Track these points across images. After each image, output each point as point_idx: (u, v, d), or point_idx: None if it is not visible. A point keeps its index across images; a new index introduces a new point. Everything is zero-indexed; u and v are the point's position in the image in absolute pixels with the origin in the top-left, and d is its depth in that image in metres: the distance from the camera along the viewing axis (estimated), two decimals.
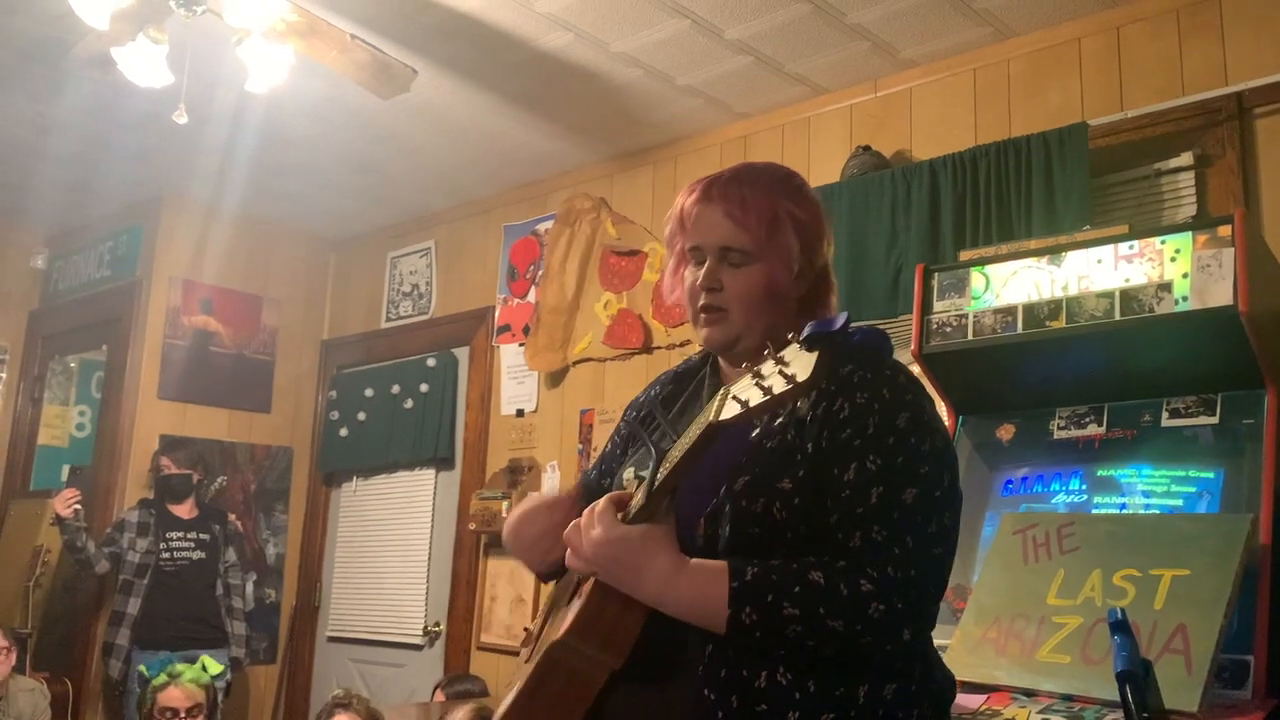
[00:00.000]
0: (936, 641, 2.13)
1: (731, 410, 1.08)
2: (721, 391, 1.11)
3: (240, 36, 2.85)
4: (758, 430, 1.23)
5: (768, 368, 1.06)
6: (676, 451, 1.17)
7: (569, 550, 1.29)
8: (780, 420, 1.27)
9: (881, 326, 3.39)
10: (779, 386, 1.04)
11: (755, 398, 1.06)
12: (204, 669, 3.47)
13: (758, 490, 1.27)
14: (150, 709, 3.33)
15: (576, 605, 1.26)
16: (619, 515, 1.25)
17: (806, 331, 1.05)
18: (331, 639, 5.13)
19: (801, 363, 1.03)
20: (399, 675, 4.76)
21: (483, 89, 3.77)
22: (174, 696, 3.32)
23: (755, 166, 1.45)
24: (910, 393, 1.31)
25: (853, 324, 1.11)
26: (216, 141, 4.24)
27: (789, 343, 1.06)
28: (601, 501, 1.26)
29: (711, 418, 1.10)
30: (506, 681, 1.50)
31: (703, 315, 1.39)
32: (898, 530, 1.22)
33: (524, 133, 4.13)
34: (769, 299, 1.37)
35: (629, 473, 1.44)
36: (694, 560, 1.23)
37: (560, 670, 1.25)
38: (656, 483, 1.20)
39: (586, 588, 1.27)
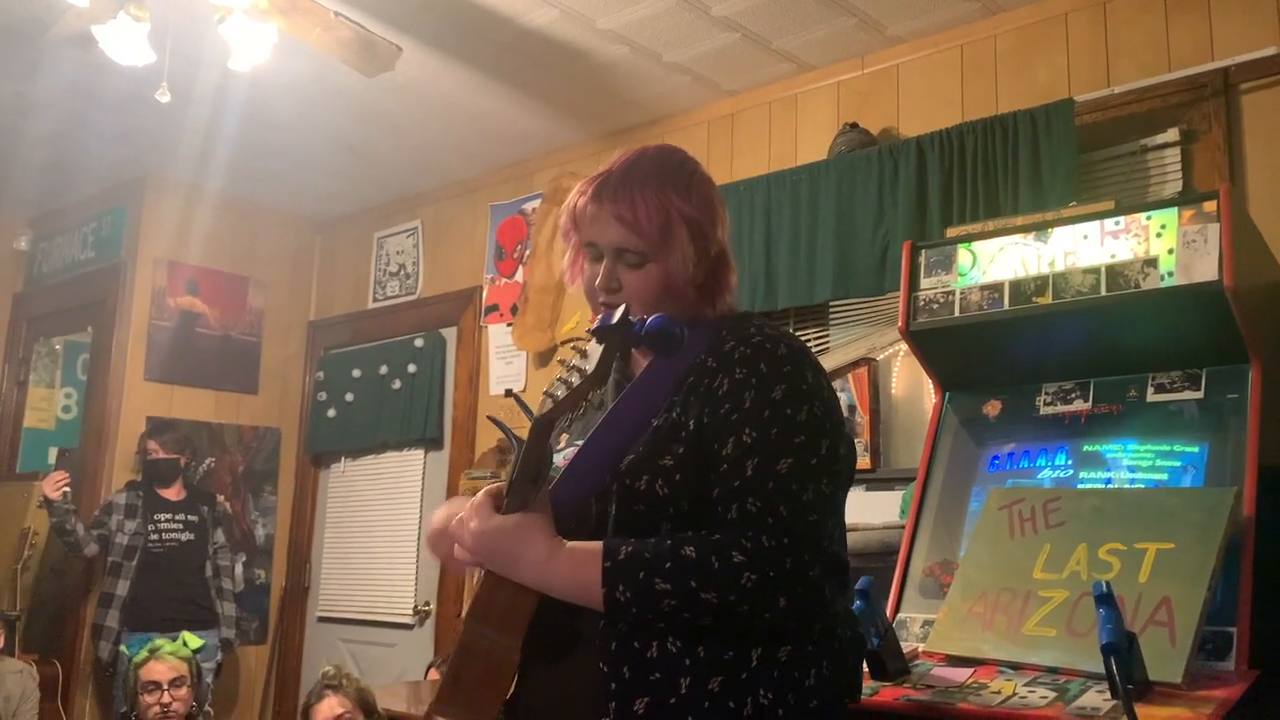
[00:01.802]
0: (924, 615, 2.16)
1: (546, 405, 1.20)
2: (547, 389, 1.22)
3: (222, 14, 2.83)
4: (582, 410, 1.35)
5: (575, 361, 1.17)
6: (521, 449, 1.26)
7: (455, 544, 1.34)
8: (670, 398, 1.35)
9: (868, 303, 3.45)
10: (575, 380, 1.15)
11: (560, 392, 1.18)
12: (184, 643, 3.48)
13: (641, 468, 1.31)
14: (134, 686, 3.33)
15: (477, 591, 1.33)
16: (496, 507, 1.31)
17: (594, 326, 1.13)
18: (322, 619, 5.14)
19: (593, 356, 1.13)
20: (389, 655, 4.77)
21: (468, 67, 3.75)
22: (156, 670, 3.32)
23: (645, 161, 1.45)
24: (789, 364, 1.35)
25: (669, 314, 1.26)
26: (199, 121, 4.20)
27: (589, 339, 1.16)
28: (479, 494, 1.32)
29: (536, 414, 1.22)
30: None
31: (604, 309, 1.43)
32: (772, 500, 1.26)
33: (510, 111, 4.11)
34: (667, 294, 1.41)
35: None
36: (570, 543, 1.28)
37: (474, 654, 1.31)
38: (514, 475, 1.27)
39: (481, 575, 1.33)
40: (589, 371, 1.12)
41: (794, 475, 1.28)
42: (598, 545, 1.27)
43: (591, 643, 1.28)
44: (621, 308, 1.14)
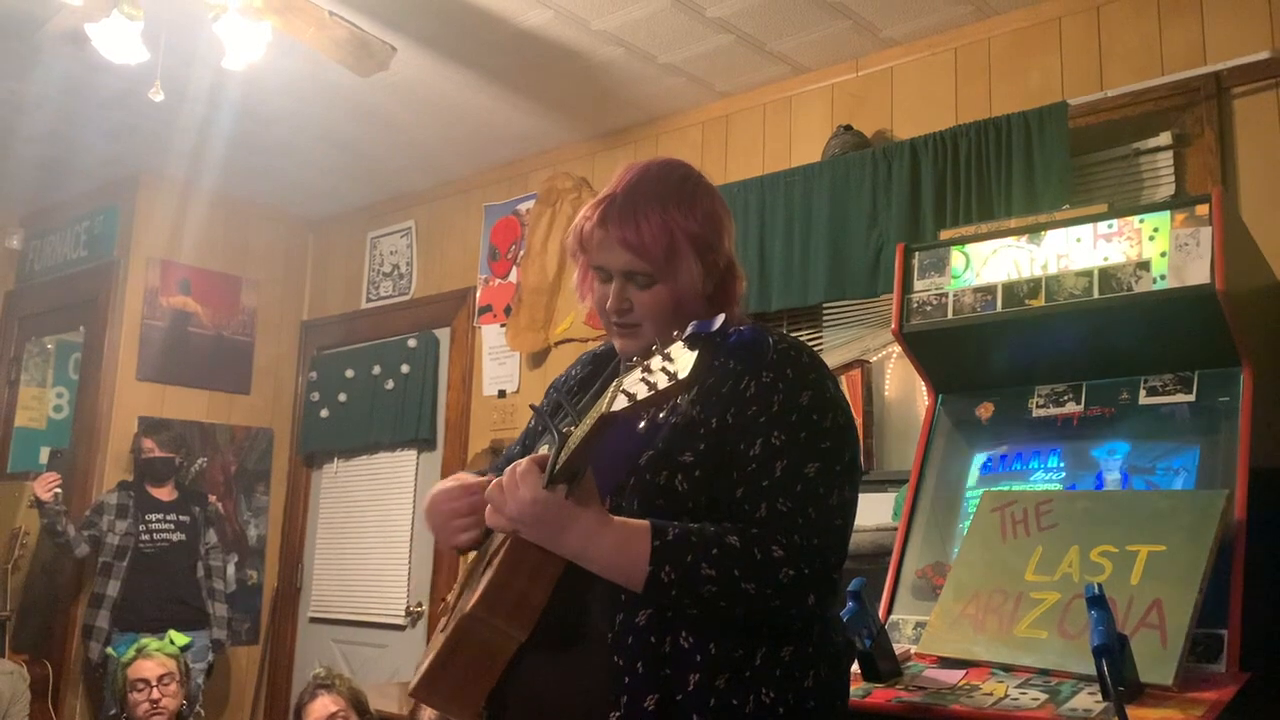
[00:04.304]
0: (917, 617, 2.16)
1: (620, 403, 1.15)
2: (615, 383, 1.16)
3: (216, 12, 2.82)
4: (663, 413, 1.31)
5: (655, 363, 1.13)
6: (574, 439, 1.22)
7: (489, 508, 1.31)
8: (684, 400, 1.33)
9: (862, 305, 3.46)
10: (662, 383, 1.11)
11: (641, 392, 1.13)
12: (171, 641, 3.47)
13: (661, 464, 1.32)
14: (123, 686, 3.33)
15: (486, 578, 1.30)
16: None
17: (688, 331, 1.12)
18: (314, 620, 5.13)
19: (683, 361, 1.11)
20: (381, 655, 4.76)
21: (463, 67, 3.74)
22: (144, 668, 3.31)
23: (647, 181, 1.45)
24: (813, 372, 1.38)
25: (752, 322, 1.26)
26: (193, 120, 4.19)
27: (674, 340, 1.13)
28: (524, 462, 1.28)
29: (604, 409, 1.17)
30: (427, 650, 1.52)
31: (617, 329, 1.46)
32: (801, 501, 1.29)
33: (505, 111, 4.10)
34: (677, 311, 1.42)
35: (544, 451, 1.47)
36: (617, 518, 1.27)
37: (470, 642, 1.30)
38: (557, 467, 1.24)
39: (496, 561, 1.31)
40: (679, 376, 1.10)
41: (821, 479, 1.31)
42: (645, 523, 1.26)
43: (601, 639, 1.28)
44: (720, 317, 1.14)
